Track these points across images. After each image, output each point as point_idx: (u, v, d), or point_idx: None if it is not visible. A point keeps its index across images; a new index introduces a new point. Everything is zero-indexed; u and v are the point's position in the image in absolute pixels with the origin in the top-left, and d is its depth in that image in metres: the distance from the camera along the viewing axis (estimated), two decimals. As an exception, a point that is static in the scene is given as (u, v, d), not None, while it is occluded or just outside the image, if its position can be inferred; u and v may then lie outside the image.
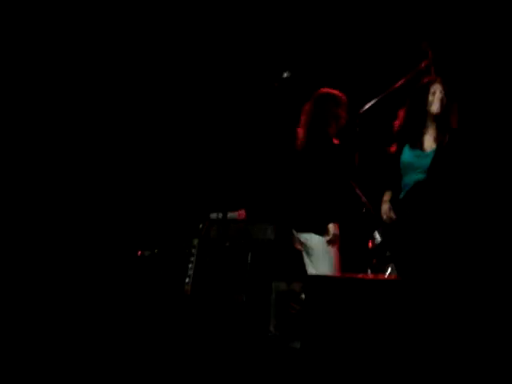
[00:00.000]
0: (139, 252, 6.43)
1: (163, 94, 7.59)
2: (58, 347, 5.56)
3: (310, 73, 7.02)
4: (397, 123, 5.30)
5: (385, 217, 5.24)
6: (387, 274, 5.36)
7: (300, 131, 5.80)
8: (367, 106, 5.86)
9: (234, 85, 7.41)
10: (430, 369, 4.21)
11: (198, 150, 7.40)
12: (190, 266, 6.00)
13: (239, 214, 6.28)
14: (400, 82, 5.75)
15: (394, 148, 5.30)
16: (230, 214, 6.13)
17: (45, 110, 7.28)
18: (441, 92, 5.11)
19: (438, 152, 5.04)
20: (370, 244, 5.84)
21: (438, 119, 5.11)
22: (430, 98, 5.13)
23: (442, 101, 5.11)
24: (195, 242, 6.12)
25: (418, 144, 5.16)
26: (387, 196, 5.30)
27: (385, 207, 5.26)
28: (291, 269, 6.15)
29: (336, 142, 5.64)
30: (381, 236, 5.56)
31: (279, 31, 7.45)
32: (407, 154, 5.18)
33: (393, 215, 5.18)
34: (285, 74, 5.48)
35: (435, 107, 5.11)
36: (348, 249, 6.04)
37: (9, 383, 4.75)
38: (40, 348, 5.53)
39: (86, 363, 5.23)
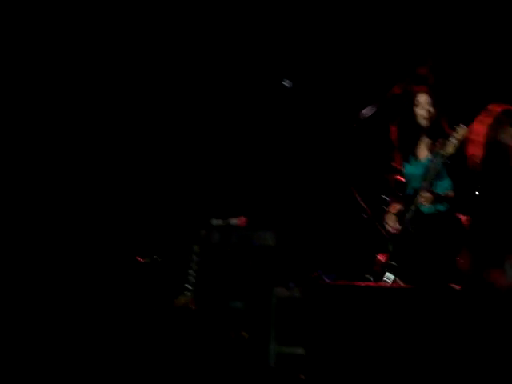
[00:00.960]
0: (139, 258, 6.43)
1: (165, 98, 7.58)
2: (52, 350, 5.58)
3: (308, 79, 7.05)
4: (392, 137, 5.38)
5: (391, 228, 5.30)
6: (388, 280, 5.38)
7: None
8: (367, 114, 5.88)
9: (239, 89, 7.41)
10: (428, 375, 4.26)
11: (200, 155, 7.40)
12: (190, 272, 6.01)
13: (240, 221, 6.30)
14: (396, 89, 5.78)
15: (396, 162, 5.38)
16: (231, 221, 6.17)
17: (36, 111, 7.26)
18: (427, 103, 5.17)
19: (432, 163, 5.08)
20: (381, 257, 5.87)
21: (428, 129, 5.19)
22: (417, 110, 5.20)
23: (428, 112, 5.17)
24: (196, 248, 6.14)
25: (414, 155, 5.29)
26: (393, 208, 5.35)
27: (391, 218, 5.31)
28: (292, 275, 6.18)
29: None
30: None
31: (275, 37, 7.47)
32: (408, 166, 5.27)
33: (398, 226, 5.24)
34: (286, 83, 5.52)
35: (422, 120, 5.18)
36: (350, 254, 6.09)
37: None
38: (32, 352, 5.55)
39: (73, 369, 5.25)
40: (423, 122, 5.21)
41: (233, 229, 6.20)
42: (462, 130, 4.96)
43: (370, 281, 5.80)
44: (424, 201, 5.08)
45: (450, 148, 4.99)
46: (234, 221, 6.22)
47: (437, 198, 5.11)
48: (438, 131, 5.16)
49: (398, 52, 7.02)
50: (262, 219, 6.44)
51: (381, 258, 5.92)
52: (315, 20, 7.37)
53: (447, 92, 6.14)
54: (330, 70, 7.22)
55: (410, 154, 5.33)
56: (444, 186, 5.17)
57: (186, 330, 5.82)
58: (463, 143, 4.94)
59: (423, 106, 5.20)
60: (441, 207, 5.16)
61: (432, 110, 5.18)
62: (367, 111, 5.73)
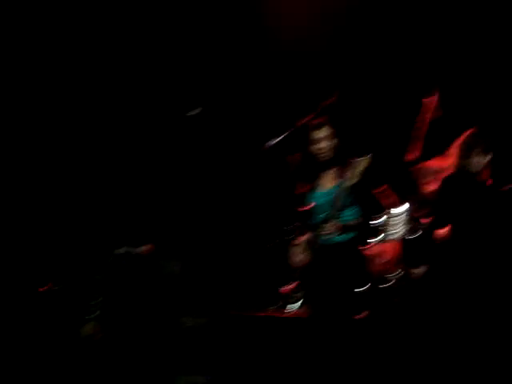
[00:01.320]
0: (40, 288, 6.29)
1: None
2: None
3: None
4: (297, 168, 5.45)
5: (294, 257, 5.33)
6: (292, 310, 5.42)
7: None
8: (273, 142, 5.93)
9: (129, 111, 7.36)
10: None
11: (103, 178, 7.29)
12: (95, 302, 5.91)
13: (146, 249, 6.24)
14: (305, 119, 5.86)
15: (299, 190, 5.44)
16: (137, 249, 6.10)
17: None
18: (325, 136, 5.26)
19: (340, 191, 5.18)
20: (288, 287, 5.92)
21: (332, 159, 5.27)
22: (314, 146, 5.29)
23: (326, 146, 5.25)
24: (101, 277, 6.04)
25: (320, 185, 5.37)
26: (300, 238, 5.38)
27: (298, 248, 5.33)
28: (199, 303, 6.15)
29: None
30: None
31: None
32: (314, 196, 5.35)
33: (305, 256, 5.27)
34: (195, 111, 5.53)
35: (321, 153, 5.27)
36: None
37: None
38: None
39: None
40: (323, 156, 5.28)
41: (138, 257, 6.13)
42: (365, 160, 5.08)
43: (275, 310, 5.85)
44: (331, 230, 5.13)
45: (353, 178, 5.09)
46: (139, 249, 6.15)
47: (344, 227, 5.17)
48: (342, 161, 5.23)
49: (306, 82, 7.15)
50: (168, 247, 6.39)
51: (287, 288, 5.97)
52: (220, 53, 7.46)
53: (352, 122, 6.30)
54: (236, 96, 7.27)
55: (316, 184, 5.39)
56: (350, 214, 5.24)
57: (91, 359, 5.72)
58: (364, 171, 5.08)
59: (321, 140, 5.27)
60: (346, 236, 5.22)
61: (330, 143, 5.26)
62: (271, 142, 5.80)
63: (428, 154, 6.25)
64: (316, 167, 5.38)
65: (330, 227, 5.13)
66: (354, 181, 5.10)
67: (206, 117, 5.75)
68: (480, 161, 5.22)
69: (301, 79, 7.27)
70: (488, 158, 5.22)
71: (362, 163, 5.08)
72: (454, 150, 5.38)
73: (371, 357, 4.46)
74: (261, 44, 7.33)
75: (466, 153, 5.28)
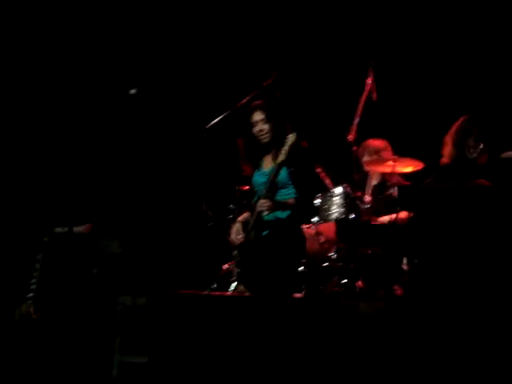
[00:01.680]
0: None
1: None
2: None
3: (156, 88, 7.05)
4: (240, 149, 5.46)
5: (233, 236, 5.35)
6: (232, 289, 5.45)
7: None
8: (213, 122, 5.94)
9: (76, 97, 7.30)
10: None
11: (43, 159, 7.22)
12: (32, 281, 5.86)
13: (85, 228, 6.20)
14: (245, 100, 5.87)
15: (245, 172, 5.47)
16: (76, 228, 6.06)
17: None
18: (260, 120, 5.28)
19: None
20: (227, 266, 5.95)
21: (271, 141, 5.30)
22: (253, 129, 5.31)
23: (261, 129, 5.28)
24: (39, 256, 5.98)
25: (260, 165, 5.41)
26: (242, 217, 5.40)
27: (236, 227, 5.35)
28: (137, 283, 6.15)
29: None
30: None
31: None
32: (255, 176, 5.37)
33: (241, 237, 5.30)
34: (132, 91, 5.51)
35: (259, 136, 5.30)
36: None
37: None
38: None
39: None
40: (264, 137, 5.31)
41: (77, 236, 6.08)
42: (291, 138, 5.13)
43: (214, 289, 5.88)
44: (263, 208, 5.16)
45: (281, 156, 5.14)
46: (78, 228, 6.11)
47: (276, 205, 5.19)
48: (279, 143, 5.26)
49: (247, 65, 7.16)
50: (108, 227, 6.37)
51: (227, 266, 6.00)
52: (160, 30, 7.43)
53: (295, 102, 6.33)
54: (179, 79, 7.26)
55: (257, 164, 5.42)
56: (285, 194, 5.27)
57: (28, 338, 5.68)
58: (294, 150, 5.13)
59: (260, 122, 5.30)
60: (281, 214, 5.25)
61: (266, 126, 5.28)
62: (211, 124, 5.82)
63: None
64: (258, 148, 5.40)
65: (262, 205, 5.15)
66: (283, 158, 5.14)
67: (144, 98, 5.72)
68: (476, 147, 5.27)
69: (239, 62, 7.29)
70: (483, 144, 5.27)
71: (289, 141, 5.14)
72: (449, 138, 5.41)
73: (312, 339, 4.49)
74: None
75: (460, 140, 5.33)
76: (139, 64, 7.27)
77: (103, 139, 6.68)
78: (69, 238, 5.97)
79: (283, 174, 5.23)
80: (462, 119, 5.44)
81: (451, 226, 4.44)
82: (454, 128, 5.43)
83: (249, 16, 7.36)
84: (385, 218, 5.87)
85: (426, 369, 4.17)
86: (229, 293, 5.42)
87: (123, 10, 7.40)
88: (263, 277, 5.09)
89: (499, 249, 4.34)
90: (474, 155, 5.30)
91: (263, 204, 5.16)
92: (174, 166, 7.05)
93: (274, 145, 5.28)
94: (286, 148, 5.16)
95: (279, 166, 5.19)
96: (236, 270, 5.41)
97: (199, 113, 6.56)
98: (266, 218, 5.24)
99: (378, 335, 4.27)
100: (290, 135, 5.19)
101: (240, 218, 5.45)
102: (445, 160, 5.43)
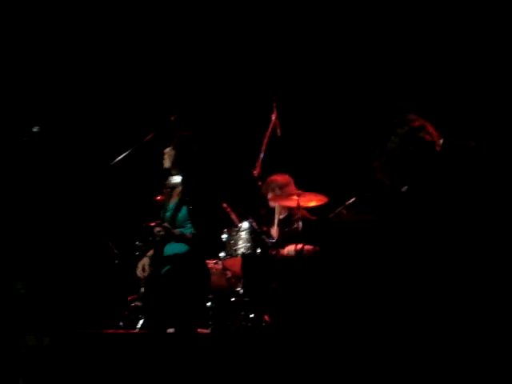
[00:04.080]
0: None
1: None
2: None
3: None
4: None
5: (139, 272, 5.29)
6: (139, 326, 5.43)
7: None
8: (118, 159, 5.93)
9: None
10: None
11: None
12: None
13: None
14: (149, 136, 5.89)
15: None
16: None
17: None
18: (171, 149, 5.31)
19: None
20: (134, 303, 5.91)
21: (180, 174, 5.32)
22: (165, 160, 5.34)
23: (174, 157, 5.31)
24: None
25: (169, 199, 5.38)
26: (150, 252, 5.35)
27: (143, 262, 5.30)
28: (43, 322, 6.04)
29: None
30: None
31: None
32: (164, 211, 5.35)
33: (146, 273, 5.25)
34: (34, 129, 5.47)
35: (167, 165, 5.33)
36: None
37: None
38: None
39: None
40: (168, 167, 5.34)
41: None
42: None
43: (121, 327, 5.83)
44: (158, 235, 5.12)
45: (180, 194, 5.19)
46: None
47: (172, 234, 5.15)
48: (187, 176, 5.28)
49: (150, 102, 7.19)
50: (12, 266, 6.26)
51: (133, 303, 5.97)
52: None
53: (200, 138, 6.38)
54: (83, 115, 7.24)
55: (167, 198, 5.41)
56: (189, 227, 5.25)
57: None
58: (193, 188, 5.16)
59: (166, 156, 5.32)
60: (179, 249, 5.21)
61: (178, 155, 5.31)
62: (117, 159, 5.81)
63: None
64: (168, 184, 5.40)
65: (157, 233, 5.10)
66: (180, 197, 5.18)
67: (47, 135, 5.68)
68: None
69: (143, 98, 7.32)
70: None
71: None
72: None
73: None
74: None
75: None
76: (41, 102, 7.21)
77: (5, 177, 6.60)
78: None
79: (183, 211, 5.23)
80: None
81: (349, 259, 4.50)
82: None
83: (149, 52, 7.41)
84: (290, 248, 5.93)
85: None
86: (136, 330, 5.39)
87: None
88: (167, 312, 5.06)
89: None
90: None
91: (158, 232, 5.12)
92: (78, 203, 6.99)
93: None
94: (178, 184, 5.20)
95: (179, 203, 5.20)
96: (143, 307, 5.38)
97: (103, 149, 6.53)
98: (166, 253, 5.20)
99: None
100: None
101: (149, 254, 5.41)
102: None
